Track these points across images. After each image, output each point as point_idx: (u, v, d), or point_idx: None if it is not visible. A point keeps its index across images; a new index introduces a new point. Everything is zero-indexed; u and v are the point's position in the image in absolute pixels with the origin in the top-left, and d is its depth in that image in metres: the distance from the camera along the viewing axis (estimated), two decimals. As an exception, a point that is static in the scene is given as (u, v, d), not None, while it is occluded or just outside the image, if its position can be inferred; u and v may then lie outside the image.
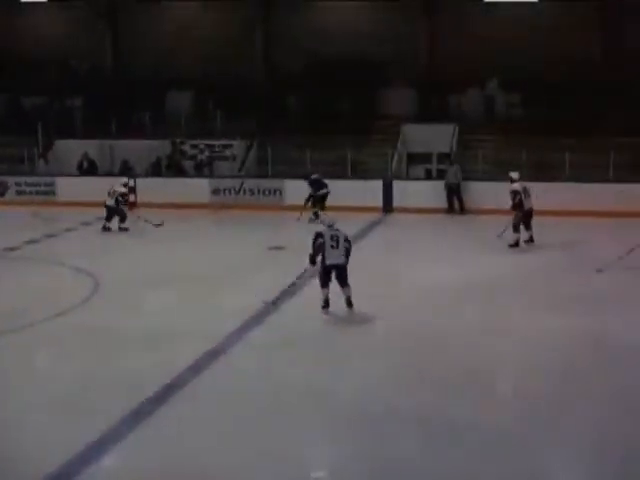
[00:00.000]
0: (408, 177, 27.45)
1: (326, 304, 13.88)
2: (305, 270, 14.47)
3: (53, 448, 9.16)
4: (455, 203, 24.28)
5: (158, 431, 9.73)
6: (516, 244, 18.88)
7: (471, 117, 28.57)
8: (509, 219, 19.08)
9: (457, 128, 27.56)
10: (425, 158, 28.20)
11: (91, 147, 28.03)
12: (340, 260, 13.65)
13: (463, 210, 24.09)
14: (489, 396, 10.76)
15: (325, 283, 13.79)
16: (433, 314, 14.04)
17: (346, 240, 13.80)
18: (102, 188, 22.43)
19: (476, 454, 8.99)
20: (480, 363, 11.68)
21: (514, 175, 19.41)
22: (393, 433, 9.53)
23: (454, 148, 26.97)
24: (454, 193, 24.28)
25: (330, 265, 13.66)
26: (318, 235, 13.69)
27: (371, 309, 14.05)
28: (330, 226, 13.88)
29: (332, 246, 13.57)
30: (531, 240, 19.14)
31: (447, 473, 8.67)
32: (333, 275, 13.78)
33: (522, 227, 19.01)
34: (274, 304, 14.47)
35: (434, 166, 28.17)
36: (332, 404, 10.38)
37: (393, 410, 10.13)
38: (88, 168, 27.57)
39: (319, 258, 13.72)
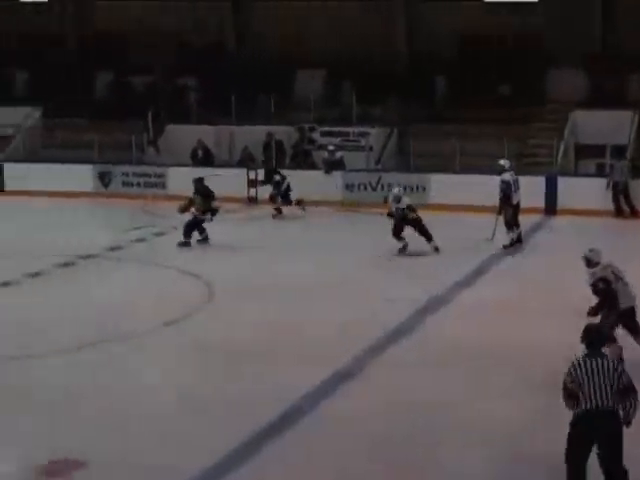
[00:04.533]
0: (576, 173, 26.70)
1: None
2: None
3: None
4: (623, 204, 23.51)
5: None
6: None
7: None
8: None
9: (638, 115, 26.68)
10: (597, 150, 27.39)
11: (207, 133, 28.25)
12: (636, 300, 12.35)
13: (634, 212, 23.29)
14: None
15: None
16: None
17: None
18: (217, 180, 22.54)
19: None
20: None
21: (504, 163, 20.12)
22: None
23: (631, 139, 26.11)
24: (620, 193, 23.50)
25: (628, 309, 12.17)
26: (603, 280, 12.02)
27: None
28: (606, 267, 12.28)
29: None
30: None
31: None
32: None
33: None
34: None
35: (607, 160, 27.35)
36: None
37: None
38: (203, 157, 27.80)
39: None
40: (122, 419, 10.86)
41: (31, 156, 29.64)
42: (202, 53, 32.00)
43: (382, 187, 25.32)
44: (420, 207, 23.60)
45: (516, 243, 19.80)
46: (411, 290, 16.24)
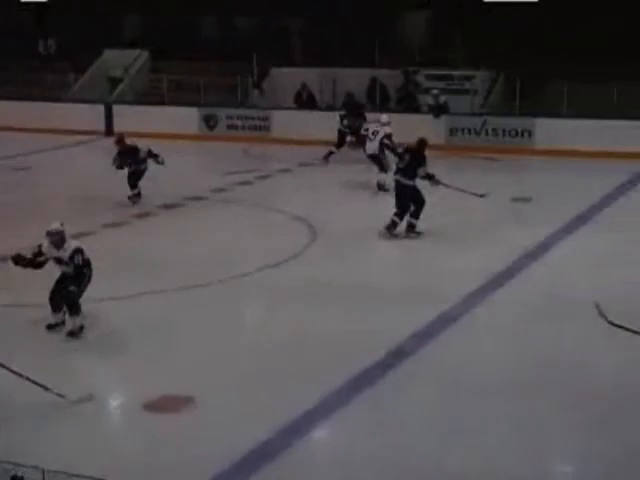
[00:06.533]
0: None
1: None
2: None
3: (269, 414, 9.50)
4: None
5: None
6: None
7: None
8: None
9: None
10: None
11: (311, 76, 28.33)
12: None
13: None
14: None
15: None
16: None
17: None
18: (321, 124, 22.64)
19: None
20: None
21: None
22: None
23: None
24: None
25: None
26: None
27: None
28: None
29: None
30: None
31: None
32: None
33: None
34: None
35: None
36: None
37: None
38: (307, 101, 27.92)
39: None
40: (231, 357, 11.17)
41: (139, 98, 30.17)
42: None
43: (486, 132, 25.23)
44: (524, 151, 23.70)
45: None
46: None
